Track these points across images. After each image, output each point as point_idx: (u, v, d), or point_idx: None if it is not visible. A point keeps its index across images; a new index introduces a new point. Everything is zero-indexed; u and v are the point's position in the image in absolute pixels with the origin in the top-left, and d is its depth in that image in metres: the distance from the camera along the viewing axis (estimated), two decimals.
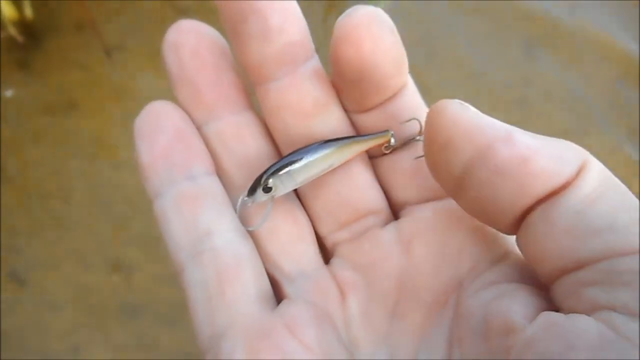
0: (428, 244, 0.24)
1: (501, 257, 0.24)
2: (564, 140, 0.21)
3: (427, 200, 0.26)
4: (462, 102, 0.22)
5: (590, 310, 0.19)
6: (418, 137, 0.26)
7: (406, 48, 0.24)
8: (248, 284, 0.25)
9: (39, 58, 0.81)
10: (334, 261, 0.26)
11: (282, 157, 0.26)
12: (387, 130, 0.25)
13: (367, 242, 0.26)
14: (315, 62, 0.25)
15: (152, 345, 0.70)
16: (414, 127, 0.26)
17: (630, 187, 0.20)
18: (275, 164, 0.25)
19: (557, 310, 0.20)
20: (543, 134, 0.22)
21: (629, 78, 0.83)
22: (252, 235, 0.26)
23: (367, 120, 0.26)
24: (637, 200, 0.20)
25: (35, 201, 0.75)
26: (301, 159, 0.25)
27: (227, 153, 0.27)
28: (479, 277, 0.23)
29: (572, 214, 0.20)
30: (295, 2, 0.24)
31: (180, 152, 0.26)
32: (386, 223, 0.26)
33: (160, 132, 0.26)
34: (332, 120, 0.26)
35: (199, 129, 0.27)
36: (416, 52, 0.82)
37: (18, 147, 0.77)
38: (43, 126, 0.78)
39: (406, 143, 0.26)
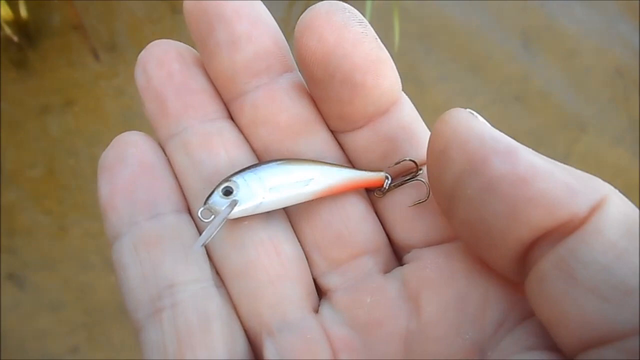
0: (441, 299, 0.20)
1: (531, 311, 0.19)
2: (589, 174, 0.17)
3: (437, 242, 0.21)
4: (473, 112, 0.19)
5: None
6: (417, 176, 0.22)
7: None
8: (215, 349, 0.20)
9: (35, 58, 0.81)
10: (327, 311, 0.22)
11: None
12: (381, 171, 0.22)
13: (367, 294, 0.21)
14: (295, 76, 0.23)
15: None
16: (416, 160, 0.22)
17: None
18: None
19: None
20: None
21: (628, 71, 0.83)
22: (224, 275, 0.22)
23: (357, 142, 0.23)
24: None
25: (33, 201, 0.75)
26: (274, 162, 0.22)
27: (193, 167, 0.23)
28: (503, 340, 0.19)
29: (597, 268, 0.16)
30: (265, 9, 0.23)
31: (144, 187, 0.22)
32: (387, 266, 0.22)
33: (123, 165, 0.23)
34: (317, 142, 0.23)
35: (164, 144, 0.24)
36: (414, 47, 0.82)
37: (15, 147, 0.77)
38: (40, 125, 0.78)
39: (402, 184, 0.22)
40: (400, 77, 0.22)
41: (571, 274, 0.16)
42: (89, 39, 0.79)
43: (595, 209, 0.16)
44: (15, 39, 0.79)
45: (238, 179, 0.21)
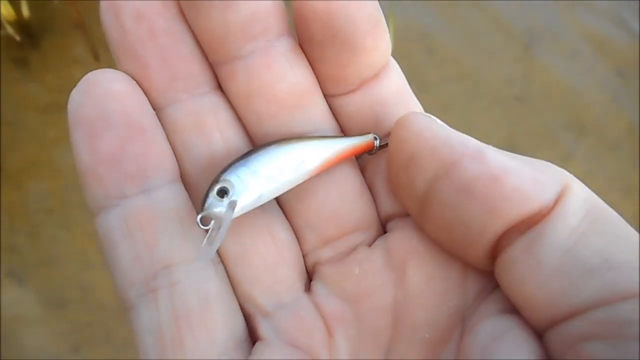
0: (426, 268, 0.20)
1: None
2: (545, 162, 0.19)
3: None
4: (430, 116, 0.19)
5: None
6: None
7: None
8: (215, 330, 0.20)
9: (37, 57, 0.81)
10: (317, 287, 0.21)
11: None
12: (369, 133, 0.22)
13: (356, 265, 0.21)
14: (291, 40, 0.21)
15: None
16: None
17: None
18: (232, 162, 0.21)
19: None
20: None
21: (629, 72, 0.83)
22: (221, 260, 0.21)
23: (348, 107, 0.22)
24: (632, 230, 0.17)
25: (35, 200, 0.75)
26: (262, 150, 0.20)
27: (186, 153, 0.21)
28: (480, 306, 0.20)
29: (560, 250, 0.17)
30: None
31: (134, 155, 0.20)
32: (375, 238, 0.22)
33: (107, 126, 0.20)
34: (315, 114, 0.21)
35: None
36: (415, 49, 0.82)
37: (17, 146, 0.77)
38: (42, 124, 0.78)
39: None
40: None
41: (537, 257, 0.17)
42: (90, 38, 0.80)
43: (559, 197, 0.18)
44: (17, 38, 0.79)
45: (231, 177, 0.20)
